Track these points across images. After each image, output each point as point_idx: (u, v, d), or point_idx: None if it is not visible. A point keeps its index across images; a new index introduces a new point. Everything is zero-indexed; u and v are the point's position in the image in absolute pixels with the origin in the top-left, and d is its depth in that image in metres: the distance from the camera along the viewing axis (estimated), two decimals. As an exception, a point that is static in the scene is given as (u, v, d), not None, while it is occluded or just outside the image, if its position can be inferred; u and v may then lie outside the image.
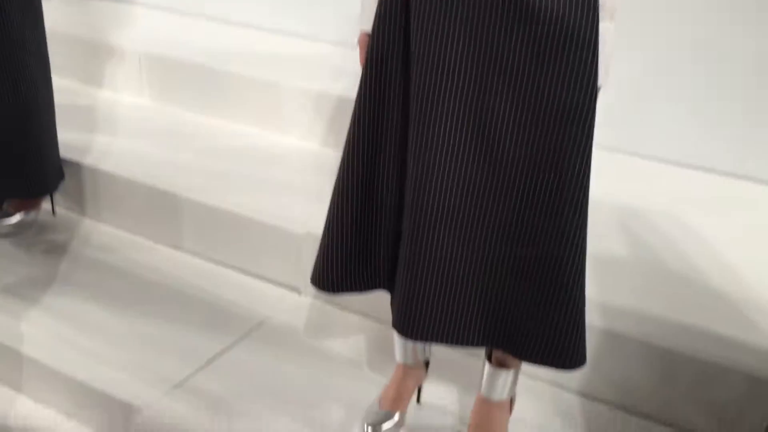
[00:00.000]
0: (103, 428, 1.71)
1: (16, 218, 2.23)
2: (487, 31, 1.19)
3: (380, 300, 1.84)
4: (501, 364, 1.46)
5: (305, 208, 2.13)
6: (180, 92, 2.77)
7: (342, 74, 2.61)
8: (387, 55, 1.31)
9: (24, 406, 1.78)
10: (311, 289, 2.04)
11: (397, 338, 1.55)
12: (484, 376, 1.49)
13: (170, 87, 2.79)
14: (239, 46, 2.89)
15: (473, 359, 1.76)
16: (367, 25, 1.37)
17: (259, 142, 2.58)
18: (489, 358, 1.48)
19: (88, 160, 2.37)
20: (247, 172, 2.35)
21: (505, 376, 1.47)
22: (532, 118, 1.20)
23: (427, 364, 1.63)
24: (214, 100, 2.72)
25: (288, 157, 2.48)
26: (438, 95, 1.24)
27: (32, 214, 2.27)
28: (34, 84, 2.04)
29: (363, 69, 1.37)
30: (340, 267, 1.44)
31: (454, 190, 1.25)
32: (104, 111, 2.74)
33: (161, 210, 2.26)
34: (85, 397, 1.72)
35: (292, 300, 2.06)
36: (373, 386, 1.72)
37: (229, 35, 3.02)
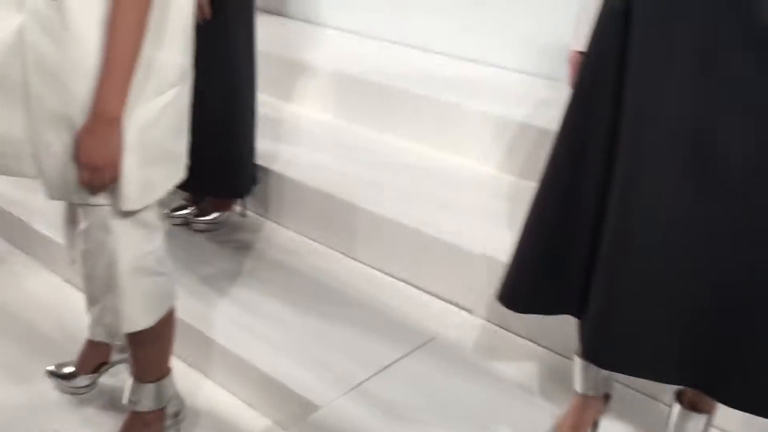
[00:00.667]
0: (280, 421, 1.79)
1: (212, 216, 2.41)
2: (727, 61, 1.14)
3: (551, 328, 1.82)
4: (694, 407, 1.39)
5: (482, 229, 2.15)
6: (363, 110, 2.88)
7: (523, 101, 2.62)
8: (601, 76, 1.30)
9: (211, 391, 1.91)
10: (482, 309, 2.06)
11: (580, 366, 1.51)
12: (673, 419, 1.42)
13: (354, 105, 2.91)
14: (421, 69, 2.97)
15: (656, 400, 1.69)
16: (581, 45, 1.37)
17: (436, 162, 2.64)
18: (679, 398, 1.42)
19: (275, 167, 2.52)
20: (422, 190, 2.40)
21: (697, 421, 1.39)
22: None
23: (607, 396, 1.58)
24: (395, 119, 2.81)
25: (465, 179, 2.51)
26: (655, 123, 1.22)
27: (225, 214, 2.45)
28: (243, 98, 2.22)
29: (573, 88, 1.37)
30: (531, 287, 1.44)
31: (668, 221, 1.21)
32: (292, 123, 2.91)
33: (339, 219, 2.35)
34: (266, 389, 1.82)
35: (464, 319, 2.07)
36: (544, 414, 1.69)
37: (411, 58, 3.11)
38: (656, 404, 1.68)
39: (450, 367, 1.87)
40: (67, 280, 2.36)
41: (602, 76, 1.30)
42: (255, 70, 2.30)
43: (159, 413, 1.62)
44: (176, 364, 1.72)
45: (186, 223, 2.42)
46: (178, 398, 1.69)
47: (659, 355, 1.27)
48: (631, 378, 1.55)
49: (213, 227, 2.41)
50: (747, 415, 1.27)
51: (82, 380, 1.84)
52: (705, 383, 1.28)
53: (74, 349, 1.87)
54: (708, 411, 1.40)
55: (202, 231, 2.41)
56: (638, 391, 1.73)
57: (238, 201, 2.47)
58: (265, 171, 2.50)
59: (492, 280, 1.78)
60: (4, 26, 1.24)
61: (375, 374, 1.81)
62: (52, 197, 1.34)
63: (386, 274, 2.26)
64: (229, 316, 2.02)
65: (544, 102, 2.59)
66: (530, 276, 1.43)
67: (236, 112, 2.23)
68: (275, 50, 3.15)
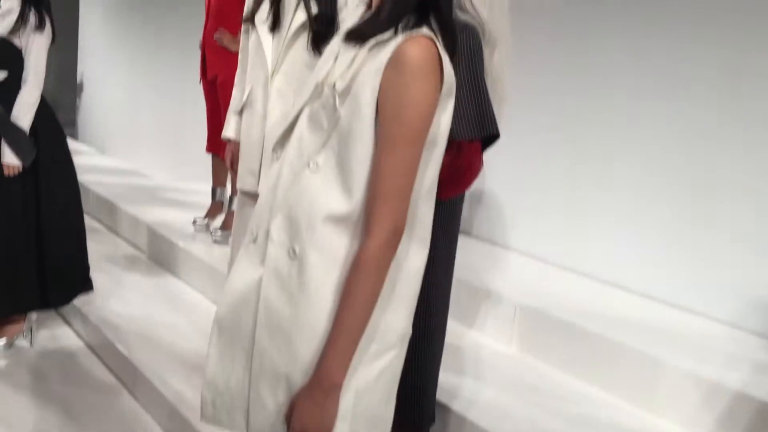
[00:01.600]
0: None
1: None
2: None
3: None
4: None
5: None
6: (550, 347, 2.71)
7: (738, 362, 2.34)
8: None
9: None
10: None
11: None
12: None
13: (541, 340, 2.75)
14: (613, 308, 2.80)
15: None
16: None
17: (633, 420, 2.37)
18: None
19: (456, 406, 2.36)
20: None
21: None
22: None
23: None
24: (584, 362, 2.60)
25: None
26: None
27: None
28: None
29: None
30: None
31: None
32: (474, 353, 2.78)
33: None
34: None
35: None
36: None
37: (599, 293, 2.95)
38: None
39: None
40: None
41: None
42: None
43: None
44: None
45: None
46: None
47: None
48: None
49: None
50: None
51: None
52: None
53: None
54: None
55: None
56: None
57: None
58: (446, 409, 2.35)
59: None
60: (246, 277, 1.24)
61: None
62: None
63: None
64: None
65: (763, 367, 2.30)
66: None
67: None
68: (458, 272, 3.11)
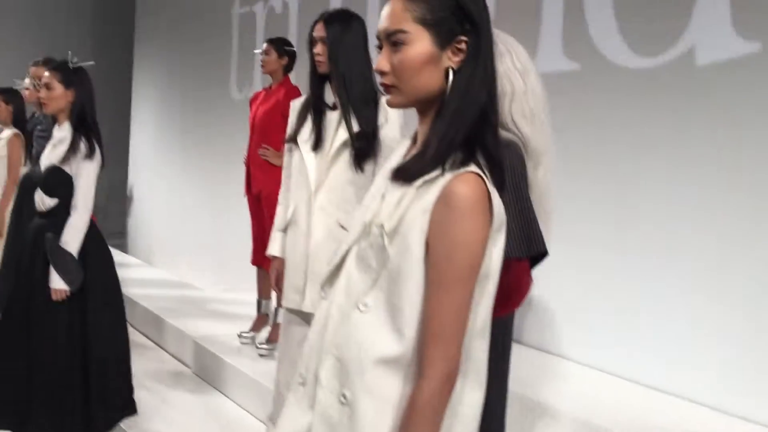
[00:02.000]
0: None
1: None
2: None
3: None
4: None
5: None
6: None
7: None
8: None
9: None
10: None
11: None
12: None
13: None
14: (683, 425, 2.62)
15: None
16: None
17: None
18: None
19: None
20: None
21: None
22: None
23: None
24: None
25: None
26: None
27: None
28: None
29: None
30: None
31: None
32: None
33: None
34: None
35: None
36: None
37: (669, 407, 2.78)
38: None
39: None
40: None
41: None
42: None
43: None
44: None
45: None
46: None
47: None
48: None
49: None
50: None
51: None
52: None
53: None
54: None
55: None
56: None
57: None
58: None
59: None
60: (296, 424, 1.19)
61: None
62: None
63: None
64: None
65: None
66: None
67: None
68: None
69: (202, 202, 6.67)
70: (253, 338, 4.13)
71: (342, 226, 2.53)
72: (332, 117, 2.58)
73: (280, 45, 3.91)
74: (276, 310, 4.05)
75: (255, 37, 5.97)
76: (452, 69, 1.14)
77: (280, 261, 2.70)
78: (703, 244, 2.89)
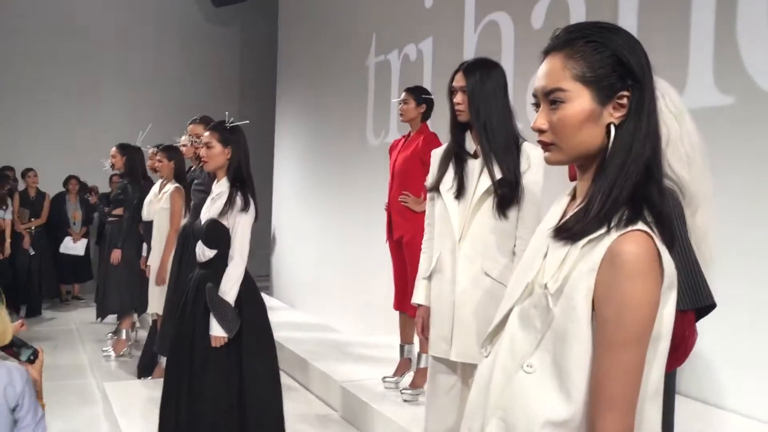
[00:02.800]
0: None
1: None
2: None
3: None
4: None
5: None
6: None
7: None
8: None
9: None
10: None
11: None
12: None
13: None
14: None
15: None
16: None
17: None
18: None
19: None
20: None
21: None
22: None
23: None
24: None
25: None
26: None
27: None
28: None
29: None
30: None
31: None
32: None
33: None
34: None
35: None
36: None
37: None
38: None
39: None
40: None
41: None
42: None
43: None
44: None
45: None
46: None
47: None
48: None
49: None
50: None
51: None
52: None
53: None
54: None
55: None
56: None
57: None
58: None
59: None
60: None
61: None
62: None
63: None
64: None
65: None
66: None
67: None
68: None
69: (344, 246, 6.86)
70: (396, 383, 4.15)
71: (487, 274, 2.52)
72: (474, 165, 2.59)
73: (418, 93, 3.99)
74: (419, 355, 4.07)
75: (390, 85, 6.13)
76: (614, 125, 1.11)
77: (426, 309, 2.71)
78: None
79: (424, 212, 3.74)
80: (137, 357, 5.52)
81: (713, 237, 1.94)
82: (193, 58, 10.01)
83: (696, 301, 1.73)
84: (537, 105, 1.18)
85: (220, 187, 3.13)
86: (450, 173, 2.64)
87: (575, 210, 1.16)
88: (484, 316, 2.49)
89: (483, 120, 2.52)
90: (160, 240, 5.02)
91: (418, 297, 2.74)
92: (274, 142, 9.06)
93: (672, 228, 1.10)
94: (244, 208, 3.04)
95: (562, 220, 1.17)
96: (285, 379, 4.95)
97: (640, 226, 1.07)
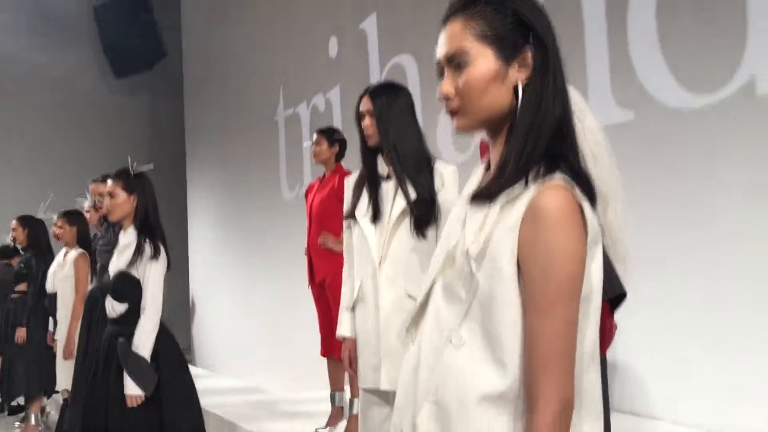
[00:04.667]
0: None
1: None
2: None
3: None
4: None
5: None
6: None
7: None
8: None
9: None
10: None
11: None
12: None
13: None
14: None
15: None
16: None
17: None
18: None
19: None
20: None
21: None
22: None
23: None
24: None
25: None
26: None
27: None
28: None
29: None
30: None
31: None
32: None
33: None
34: None
35: None
36: None
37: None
38: None
39: None
40: None
41: None
42: None
43: None
44: None
45: None
46: None
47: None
48: None
49: None
50: None
51: None
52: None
53: None
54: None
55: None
56: None
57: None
58: None
59: None
60: None
61: None
62: None
63: None
64: None
65: None
66: None
67: None
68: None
69: (266, 303, 6.68)
70: (330, 433, 4.00)
71: (410, 296, 2.46)
72: (388, 187, 2.55)
73: (330, 134, 3.97)
74: (351, 401, 3.93)
75: (300, 137, 6.12)
76: (521, 84, 1.09)
77: (351, 341, 2.62)
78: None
79: (345, 252, 3.72)
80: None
81: (627, 235, 1.96)
82: (100, 128, 9.75)
83: (609, 290, 1.72)
84: (441, 74, 1.15)
85: (127, 237, 2.98)
86: (365, 198, 2.59)
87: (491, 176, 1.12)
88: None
89: (393, 141, 2.50)
90: (66, 311, 4.74)
91: (342, 329, 2.65)
92: (187, 210, 8.85)
93: (590, 183, 1.08)
94: (154, 255, 2.90)
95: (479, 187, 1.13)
96: (213, 446, 4.70)
97: (558, 179, 1.04)
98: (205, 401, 5.17)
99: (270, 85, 6.65)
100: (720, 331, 2.96)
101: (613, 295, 1.75)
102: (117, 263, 2.96)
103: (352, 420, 3.88)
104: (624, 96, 3.35)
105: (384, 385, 2.45)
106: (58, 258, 5.05)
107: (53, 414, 5.93)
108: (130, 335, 2.85)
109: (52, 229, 5.23)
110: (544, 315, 0.99)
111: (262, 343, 6.68)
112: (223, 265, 7.74)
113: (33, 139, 9.45)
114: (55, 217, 5.11)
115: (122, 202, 2.97)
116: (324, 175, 4.05)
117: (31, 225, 5.60)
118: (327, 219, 3.91)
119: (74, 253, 4.81)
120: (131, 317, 2.88)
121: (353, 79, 5.30)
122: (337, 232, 3.95)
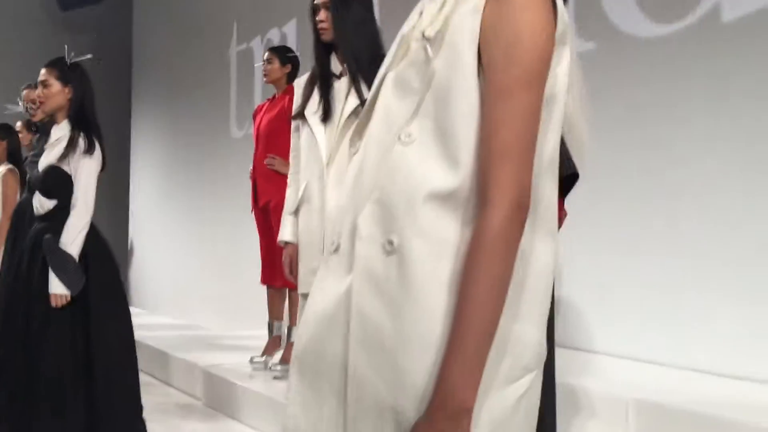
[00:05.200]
0: None
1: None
2: None
3: None
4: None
5: None
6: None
7: None
8: None
9: None
10: None
11: None
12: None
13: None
14: (747, 398, 2.39)
15: None
16: None
17: None
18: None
19: None
20: None
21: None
22: None
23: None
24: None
25: None
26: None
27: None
28: None
29: None
30: None
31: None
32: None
33: None
34: None
35: None
36: None
37: (726, 385, 2.55)
38: None
39: None
40: None
41: None
42: None
43: None
44: None
45: None
46: None
47: None
48: None
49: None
50: None
51: None
52: None
53: None
54: None
55: None
56: None
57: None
58: None
59: None
60: (328, 295, 0.98)
61: None
62: None
63: None
64: None
65: None
66: None
67: None
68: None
69: (207, 244, 6.50)
70: (265, 362, 3.89)
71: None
72: (340, 86, 2.44)
73: (282, 52, 3.82)
74: (289, 329, 3.84)
75: (253, 73, 5.92)
76: None
77: (293, 246, 2.51)
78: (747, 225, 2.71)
79: (291, 174, 3.59)
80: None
81: (585, 122, 1.89)
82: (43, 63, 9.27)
83: (561, 170, 1.66)
84: None
85: (60, 131, 2.79)
86: (315, 97, 2.47)
87: None
88: None
89: (348, 37, 2.38)
90: (-10, 230, 4.48)
91: (284, 234, 2.54)
92: (131, 138, 8.53)
93: None
94: (89, 150, 2.72)
95: None
96: (142, 377, 4.55)
97: None
98: (138, 334, 5.01)
99: (223, 19, 6.41)
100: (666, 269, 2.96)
101: (566, 174, 1.68)
102: (47, 157, 2.77)
103: (289, 348, 3.79)
104: (586, 27, 3.29)
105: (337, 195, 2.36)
106: (-16, 176, 4.78)
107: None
108: (57, 233, 2.68)
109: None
110: (506, 98, 0.89)
111: (202, 283, 6.52)
112: (166, 206, 7.51)
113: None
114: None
115: (56, 93, 2.77)
116: (274, 95, 3.91)
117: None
118: (275, 140, 3.77)
119: (2, 168, 4.55)
120: (60, 215, 2.71)
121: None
122: (285, 154, 3.81)
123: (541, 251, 0.96)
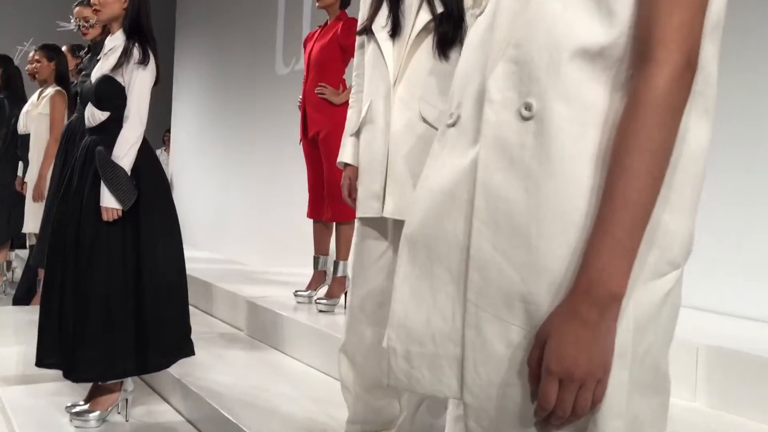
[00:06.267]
0: None
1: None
2: None
3: None
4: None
5: None
6: (744, 396, 2.18)
7: None
8: None
9: None
10: None
11: None
12: None
13: (731, 390, 2.22)
14: None
15: None
16: None
17: None
18: None
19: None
20: None
21: None
22: None
23: None
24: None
25: None
26: None
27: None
28: None
29: None
30: None
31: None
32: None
33: None
34: None
35: None
36: None
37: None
38: None
39: None
40: None
41: None
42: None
43: None
44: None
45: None
46: None
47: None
48: None
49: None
50: None
51: None
52: None
53: None
54: None
55: None
56: None
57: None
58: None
59: None
60: (447, 170, 0.86)
61: None
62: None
63: None
64: None
65: None
66: None
67: None
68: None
69: (250, 181, 6.44)
70: (310, 296, 3.83)
71: (424, 119, 2.23)
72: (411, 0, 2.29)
73: (337, -24, 3.66)
74: (336, 263, 3.76)
75: (302, 9, 5.76)
76: None
77: (353, 169, 2.40)
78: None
79: (343, 105, 3.46)
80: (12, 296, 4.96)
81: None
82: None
83: None
84: None
85: (114, 41, 2.70)
86: (384, 10, 2.33)
87: None
88: (418, 168, 2.20)
89: (423, -58, 2.22)
90: (39, 151, 4.46)
91: (344, 155, 2.43)
92: (173, 83, 8.47)
93: None
94: (143, 60, 2.62)
95: None
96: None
97: None
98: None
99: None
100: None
101: None
102: (101, 68, 2.68)
103: (336, 282, 3.72)
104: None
105: (386, 213, 2.25)
106: (33, 98, 4.74)
107: (18, 270, 5.72)
108: (110, 146, 2.61)
109: (27, 67, 4.88)
110: None
111: (244, 220, 6.48)
112: (206, 141, 7.45)
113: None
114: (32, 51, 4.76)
115: (111, 1, 2.67)
116: (326, 22, 3.75)
117: (7, 65, 5.25)
118: (326, 68, 3.64)
119: (51, 90, 4.50)
120: (113, 127, 2.63)
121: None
122: (336, 84, 3.69)
123: (696, 130, 0.83)
